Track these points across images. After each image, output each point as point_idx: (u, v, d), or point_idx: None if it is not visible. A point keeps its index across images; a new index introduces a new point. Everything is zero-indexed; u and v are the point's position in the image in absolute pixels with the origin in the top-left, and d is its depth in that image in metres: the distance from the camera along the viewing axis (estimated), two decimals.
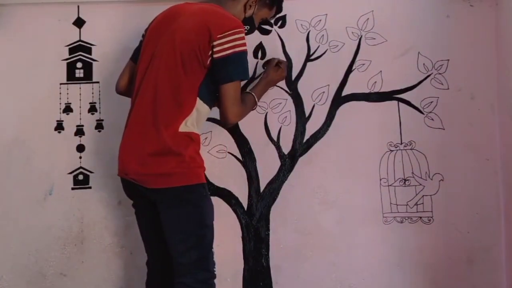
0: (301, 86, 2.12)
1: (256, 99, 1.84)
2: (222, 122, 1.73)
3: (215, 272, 1.68)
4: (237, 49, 1.63)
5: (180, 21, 1.69)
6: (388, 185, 2.09)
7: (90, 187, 2.09)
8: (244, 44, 1.66)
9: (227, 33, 1.62)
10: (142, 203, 1.74)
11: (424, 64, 2.11)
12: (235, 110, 1.67)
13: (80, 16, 2.13)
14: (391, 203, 2.09)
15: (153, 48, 1.70)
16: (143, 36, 1.81)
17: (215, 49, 1.61)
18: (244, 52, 1.66)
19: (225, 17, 1.68)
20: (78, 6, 2.13)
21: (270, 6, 1.91)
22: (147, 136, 1.63)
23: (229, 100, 1.65)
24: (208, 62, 1.63)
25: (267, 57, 2.13)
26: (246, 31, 1.77)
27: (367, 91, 2.12)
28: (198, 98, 1.65)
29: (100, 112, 2.12)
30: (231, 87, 1.65)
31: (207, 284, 1.65)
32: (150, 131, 1.63)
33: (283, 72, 1.99)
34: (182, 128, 1.63)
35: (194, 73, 1.63)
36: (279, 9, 1.96)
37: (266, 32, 2.13)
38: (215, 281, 1.68)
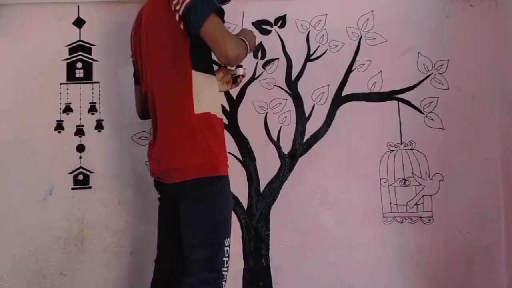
0: (301, 86, 2.12)
1: (247, 43, 1.66)
2: (224, 62, 1.58)
3: (224, 272, 1.60)
4: None
5: (146, 13, 1.69)
6: (388, 185, 2.09)
7: (90, 187, 2.09)
8: None
9: None
10: (166, 199, 1.74)
11: (424, 64, 2.11)
12: (229, 41, 1.54)
13: (80, 16, 2.13)
14: (391, 203, 2.09)
15: (140, 57, 1.71)
16: (132, 56, 1.82)
17: (176, 8, 1.55)
18: None
19: None
20: (78, 6, 2.13)
21: None
22: (162, 133, 1.63)
23: (216, 37, 1.53)
24: (181, 25, 1.57)
25: (267, 57, 2.13)
26: None
27: (367, 91, 2.12)
28: (193, 71, 1.61)
29: (100, 112, 2.12)
30: (210, 24, 1.53)
31: (213, 285, 1.59)
32: (164, 127, 1.62)
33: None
34: (198, 108, 1.60)
35: (179, 51, 1.60)
36: None
37: (266, 32, 2.13)
38: (223, 281, 1.61)
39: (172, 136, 1.61)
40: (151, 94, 1.69)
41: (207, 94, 1.64)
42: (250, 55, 2.09)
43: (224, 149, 1.67)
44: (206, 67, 1.67)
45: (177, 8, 1.56)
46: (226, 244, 1.61)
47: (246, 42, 1.65)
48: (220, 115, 1.69)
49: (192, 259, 1.60)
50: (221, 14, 1.59)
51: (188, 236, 1.62)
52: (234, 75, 1.85)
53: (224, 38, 1.53)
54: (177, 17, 1.57)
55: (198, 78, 1.62)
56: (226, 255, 1.61)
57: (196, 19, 1.53)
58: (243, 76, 1.86)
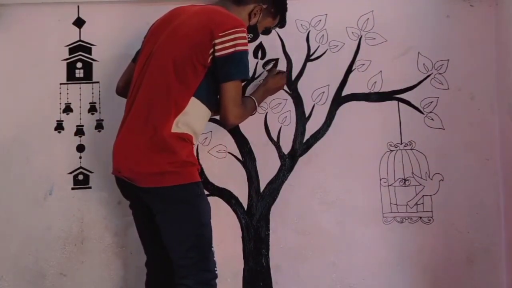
0: (301, 86, 2.13)
1: (256, 104, 1.84)
2: (222, 123, 1.71)
3: (216, 272, 1.66)
4: (238, 48, 1.61)
5: (182, 19, 1.68)
6: (388, 185, 2.09)
7: (90, 187, 2.09)
8: (246, 44, 1.64)
9: (229, 31, 1.60)
10: (138, 204, 1.72)
11: (424, 64, 2.11)
12: (235, 111, 1.64)
13: (80, 16, 2.13)
14: (391, 203, 2.09)
15: (151, 47, 1.69)
16: (145, 37, 1.81)
17: (216, 47, 1.60)
18: (246, 52, 1.64)
19: (228, 16, 1.67)
20: (78, 6, 2.13)
21: (274, 15, 1.89)
22: (142, 135, 1.61)
23: (229, 100, 1.63)
24: (209, 60, 1.61)
25: (267, 57, 2.13)
26: (249, 39, 1.78)
27: (367, 91, 2.12)
28: (193, 98, 1.63)
29: (100, 112, 2.12)
30: (232, 86, 1.63)
31: (208, 285, 1.63)
32: (144, 129, 1.61)
33: (282, 80, 2.00)
34: (174, 129, 1.61)
35: (188, 73, 1.61)
36: (283, 19, 1.94)
37: (266, 32, 2.13)
38: (216, 281, 1.67)
39: (152, 142, 1.59)
40: (142, 84, 1.67)
41: (193, 122, 1.65)
42: (250, 55, 2.09)
43: (197, 160, 1.74)
44: (207, 100, 1.67)
45: (217, 48, 1.60)
46: (212, 245, 1.66)
47: (255, 101, 1.82)
48: (194, 135, 1.69)
49: (185, 264, 1.62)
50: (245, 79, 1.73)
51: (175, 244, 1.63)
52: None
53: (233, 104, 1.63)
54: (210, 51, 1.60)
55: (194, 105, 1.64)
56: (215, 256, 1.66)
57: (225, 75, 1.62)
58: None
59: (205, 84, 1.64)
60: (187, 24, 1.66)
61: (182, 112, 1.61)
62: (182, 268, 1.62)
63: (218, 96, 1.67)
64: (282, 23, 1.95)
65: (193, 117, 1.64)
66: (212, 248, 1.66)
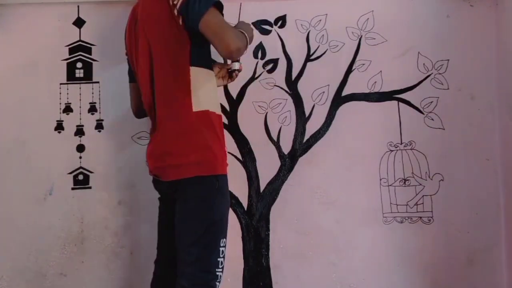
0: (301, 86, 2.12)
1: (246, 35, 1.62)
2: (225, 55, 1.54)
3: (218, 273, 1.56)
4: None
5: (140, 9, 1.66)
6: (388, 185, 2.09)
7: (90, 187, 2.09)
8: None
9: None
10: (164, 199, 1.72)
11: (424, 64, 2.11)
12: (230, 34, 1.50)
13: (80, 16, 2.13)
14: (391, 203, 2.09)
15: (136, 54, 1.68)
16: (127, 54, 1.80)
17: (174, 2, 1.53)
18: None
19: None
20: (78, 6, 2.13)
21: None
22: (161, 130, 1.61)
23: (217, 28, 1.50)
24: (180, 20, 1.55)
25: (267, 57, 2.13)
26: None
27: (367, 91, 2.12)
28: (191, 67, 1.58)
29: (100, 112, 2.12)
30: (210, 17, 1.49)
31: (206, 286, 1.55)
32: (163, 124, 1.61)
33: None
34: (196, 106, 1.57)
35: (174, 47, 1.57)
36: None
37: (266, 32, 2.13)
38: (217, 282, 1.57)
39: (170, 134, 1.59)
40: (151, 87, 1.66)
41: (205, 91, 1.62)
42: (250, 54, 2.09)
43: (224, 148, 1.64)
44: (205, 63, 1.65)
45: (175, 2, 1.53)
46: (221, 244, 1.57)
47: (246, 34, 1.61)
48: (219, 112, 1.67)
49: (186, 259, 1.57)
50: (220, 7, 1.56)
51: (183, 235, 1.59)
52: (230, 70, 1.82)
53: (224, 31, 1.49)
54: (175, 12, 1.54)
55: (197, 74, 1.60)
56: (222, 256, 1.57)
57: (195, 12, 1.50)
58: (239, 70, 1.82)
59: (195, 49, 1.59)
60: (146, 9, 1.63)
61: (191, 88, 1.57)
62: (183, 265, 1.57)
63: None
64: None
65: (201, 87, 1.59)
66: (221, 248, 1.57)
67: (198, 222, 1.56)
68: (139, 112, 1.87)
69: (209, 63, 1.67)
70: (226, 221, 1.62)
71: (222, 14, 1.57)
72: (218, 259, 1.57)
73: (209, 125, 1.60)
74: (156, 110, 1.64)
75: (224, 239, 1.59)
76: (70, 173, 2.09)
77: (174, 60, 1.59)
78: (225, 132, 2.09)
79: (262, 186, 2.10)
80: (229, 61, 1.80)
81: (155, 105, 1.65)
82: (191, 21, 1.52)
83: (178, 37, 1.57)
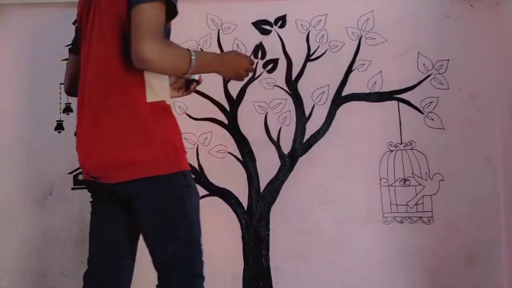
0: (301, 86, 2.12)
1: (192, 57, 1.32)
2: (134, 59, 1.26)
3: (204, 274, 1.44)
4: None
5: None
6: (388, 185, 2.09)
7: None
8: None
9: None
10: (103, 201, 1.49)
11: (424, 64, 2.11)
12: (151, 40, 1.23)
13: None
14: (391, 203, 2.09)
15: (85, 27, 1.42)
16: (76, 21, 1.52)
17: None
18: None
19: None
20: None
21: None
22: (102, 121, 1.34)
23: (142, 25, 1.24)
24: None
25: (267, 57, 2.13)
26: None
27: (367, 91, 2.12)
28: None
29: None
30: (145, 9, 1.24)
31: (191, 285, 1.40)
32: (104, 113, 1.33)
33: (245, 61, 1.51)
34: (151, 97, 1.33)
35: (121, 27, 1.32)
36: None
37: (266, 32, 2.13)
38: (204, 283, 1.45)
39: (116, 126, 1.32)
40: (89, 64, 1.38)
41: (160, 81, 1.38)
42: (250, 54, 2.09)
43: (182, 140, 1.41)
44: None
45: None
46: (202, 243, 1.41)
47: (192, 56, 1.32)
48: (172, 104, 1.42)
49: (170, 267, 1.39)
50: (170, 7, 1.29)
51: (160, 243, 1.39)
52: (188, 80, 1.56)
53: (149, 31, 1.23)
54: None
55: None
56: (203, 255, 1.42)
57: None
58: (197, 82, 1.57)
59: None
60: None
61: (145, 78, 1.34)
62: (167, 272, 1.40)
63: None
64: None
65: (155, 77, 1.36)
66: (201, 247, 1.41)
67: (176, 226, 1.37)
68: (72, 90, 1.54)
69: None
70: (199, 218, 1.43)
71: (169, 19, 1.32)
72: (202, 259, 1.42)
73: (165, 116, 1.38)
74: (91, 97, 1.36)
75: (201, 237, 1.42)
76: (70, 173, 2.09)
77: (125, 46, 1.31)
78: (226, 132, 2.10)
79: (262, 186, 2.10)
80: None
81: (89, 90, 1.37)
82: (129, 2, 1.28)
83: (124, 18, 1.31)
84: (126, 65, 1.32)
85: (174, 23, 2.02)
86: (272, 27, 2.13)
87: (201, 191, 2.02)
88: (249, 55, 1.94)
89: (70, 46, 1.61)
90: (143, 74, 1.34)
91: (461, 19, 2.11)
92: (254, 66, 1.67)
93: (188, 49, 1.34)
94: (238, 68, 1.49)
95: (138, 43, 1.23)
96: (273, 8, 2.14)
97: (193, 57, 1.32)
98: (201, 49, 1.94)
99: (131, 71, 1.32)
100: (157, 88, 1.36)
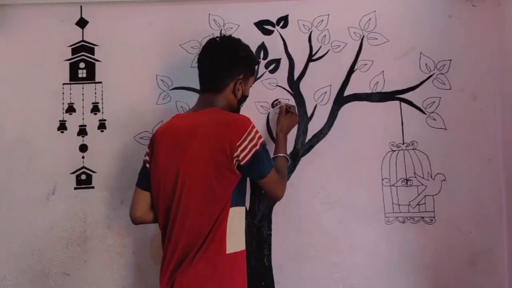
0: (303, 86, 2.13)
1: (287, 157, 1.92)
2: (273, 200, 1.93)
3: None
4: (257, 148, 1.60)
5: (195, 145, 1.61)
6: (390, 185, 2.09)
7: (93, 187, 2.10)
8: (260, 137, 1.63)
9: (242, 138, 1.58)
10: None
11: (426, 64, 2.11)
12: (281, 188, 1.77)
13: (83, 16, 2.14)
14: (393, 203, 2.09)
15: (174, 176, 1.62)
16: (146, 161, 1.76)
17: (239, 158, 1.58)
18: (264, 145, 1.64)
19: (232, 122, 1.63)
20: (81, 7, 2.14)
21: (251, 74, 1.83)
22: (194, 270, 1.56)
23: (273, 189, 1.73)
24: (237, 170, 1.60)
25: (269, 57, 2.13)
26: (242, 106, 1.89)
27: (369, 91, 2.12)
28: (231, 208, 1.60)
29: (102, 112, 2.12)
30: (272, 177, 1.70)
31: None
32: (197, 264, 1.56)
33: (293, 116, 2.02)
34: (230, 248, 1.59)
35: (220, 191, 1.59)
36: (255, 64, 1.90)
37: (268, 33, 2.14)
38: None
39: (200, 274, 1.55)
40: (172, 223, 1.62)
41: (238, 230, 1.64)
42: None
43: (246, 286, 1.66)
44: (243, 201, 1.70)
45: (240, 158, 1.58)
46: None
47: (285, 156, 1.91)
48: (244, 247, 1.68)
49: None
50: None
51: None
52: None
53: (278, 188, 1.75)
54: (234, 162, 1.58)
55: (234, 215, 1.61)
56: None
57: (258, 174, 1.67)
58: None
59: (236, 190, 1.62)
60: (203, 148, 1.60)
61: (227, 230, 1.58)
62: None
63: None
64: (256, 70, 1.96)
65: (235, 226, 1.62)
66: None
67: None
68: (142, 220, 1.77)
69: (244, 199, 1.72)
70: None
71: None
72: None
73: (238, 267, 1.62)
74: (182, 246, 1.59)
75: None
76: (73, 173, 2.10)
77: (213, 202, 1.58)
78: None
79: None
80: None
81: (180, 238, 1.59)
82: (253, 176, 1.68)
83: (226, 179, 1.59)
84: (212, 217, 1.58)
85: (176, 23, 2.06)
86: (274, 27, 2.14)
87: None
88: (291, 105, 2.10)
89: (138, 181, 1.78)
90: (226, 226, 1.59)
91: (464, 19, 2.11)
92: (294, 111, 2.08)
93: (281, 155, 1.90)
94: (293, 124, 2.05)
95: (275, 197, 1.79)
96: (275, 8, 2.14)
97: (287, 157, 1.94)
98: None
99: (216, 228, 1.57)
100: (235, 238, 1.62)
